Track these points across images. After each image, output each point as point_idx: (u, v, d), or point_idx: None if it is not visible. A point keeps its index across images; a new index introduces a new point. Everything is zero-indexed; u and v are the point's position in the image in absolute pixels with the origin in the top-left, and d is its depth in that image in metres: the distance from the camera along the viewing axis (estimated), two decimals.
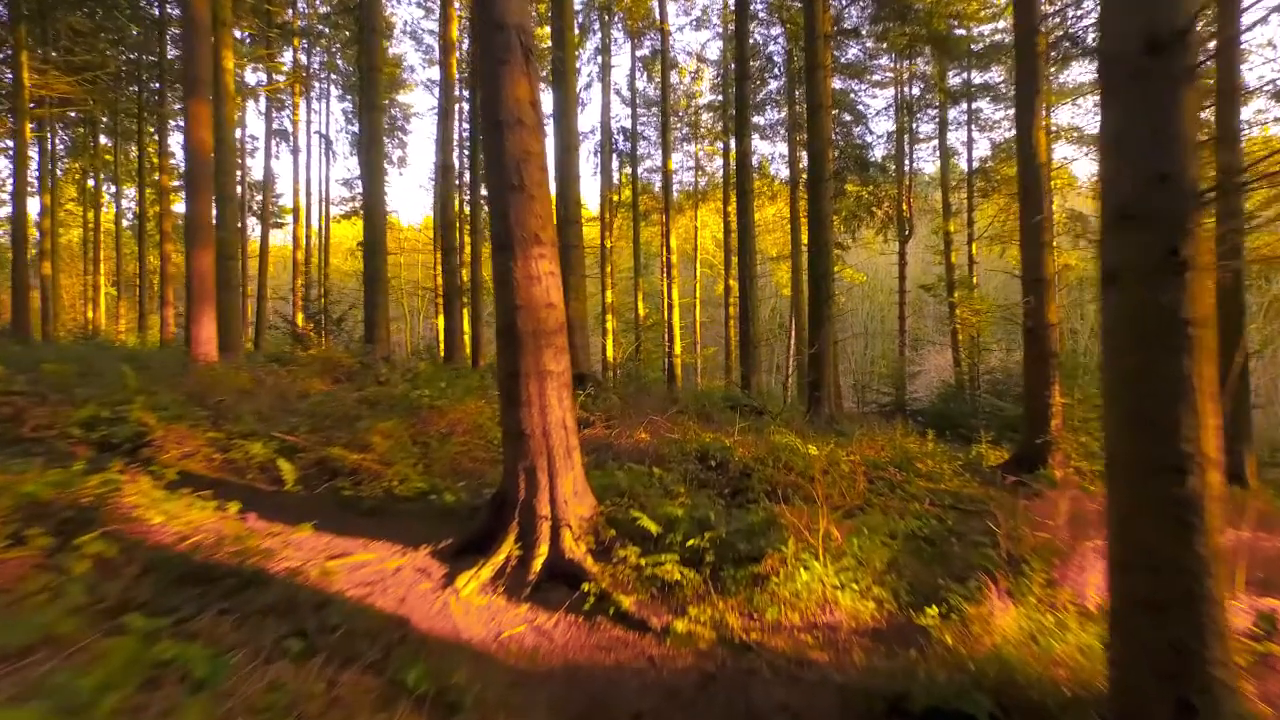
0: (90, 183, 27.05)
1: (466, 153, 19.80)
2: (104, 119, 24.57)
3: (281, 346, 14.66)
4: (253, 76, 24.16)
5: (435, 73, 24.55)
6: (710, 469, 5.32)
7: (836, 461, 5.50)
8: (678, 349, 22.28)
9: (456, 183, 18.66)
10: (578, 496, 3.82)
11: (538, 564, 3.57)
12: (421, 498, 4.36)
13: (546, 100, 14.30)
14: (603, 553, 3.72)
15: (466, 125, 19.93)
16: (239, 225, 14.14)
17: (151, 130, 22.67)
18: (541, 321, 3.75)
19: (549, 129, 9.34)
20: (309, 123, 27.42)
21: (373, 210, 10.10)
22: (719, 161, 26.50)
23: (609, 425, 6.64)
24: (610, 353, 23.12)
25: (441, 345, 15.98)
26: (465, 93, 19.82)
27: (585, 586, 3.41)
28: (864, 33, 16.54)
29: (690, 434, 6.56)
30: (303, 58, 25.77)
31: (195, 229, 7.58)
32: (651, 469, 4.98)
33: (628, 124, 24.55)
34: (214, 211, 13.60)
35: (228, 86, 12.86)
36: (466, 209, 20.11)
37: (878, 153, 21.35)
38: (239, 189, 24.54)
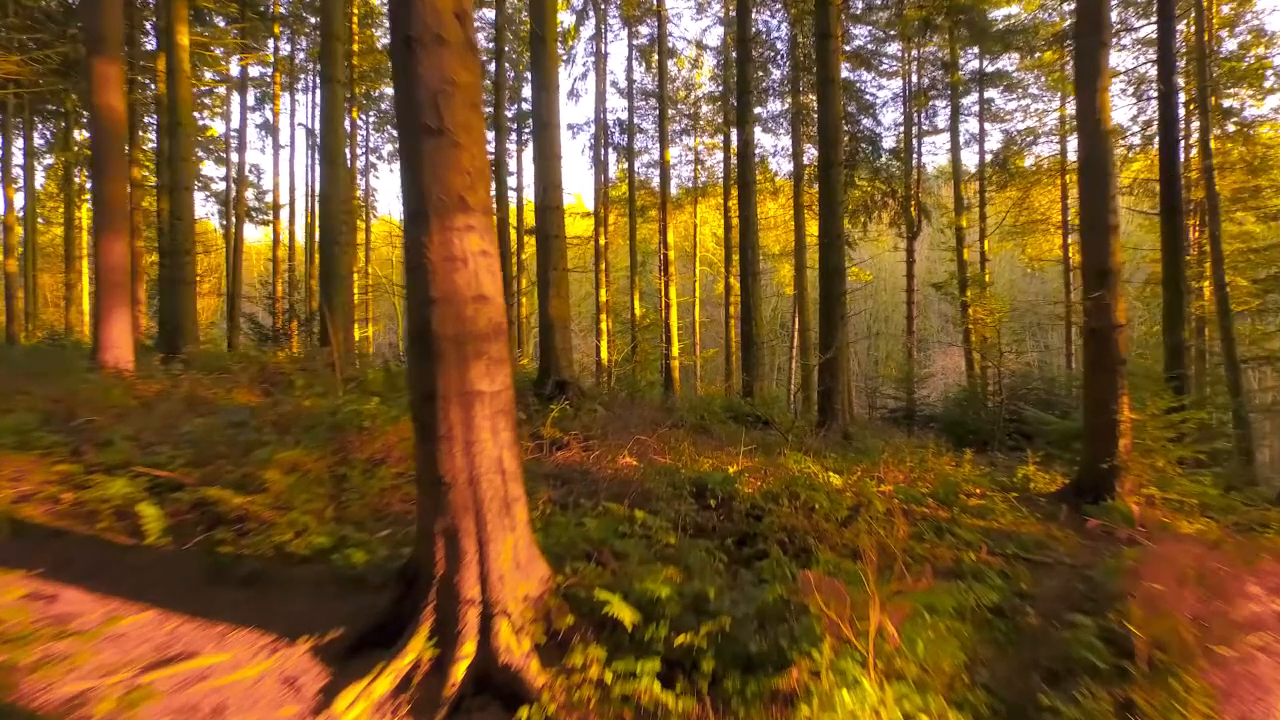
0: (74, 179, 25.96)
1: None
2: (83, 112, 23.49)
3: (250, 349, 13.58)
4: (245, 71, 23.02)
5: None
6: (709, 507, 4.21)
7: (868, 497, 4.40)
8: (675, 350, 21.16)
9: None
10: (521, 568, 2.71)
11: (459, 671, 2.46)
12: (322, 557, 3.26)
13: (531, 98, 13.13)
14: (556, 649, 2.62)
15: None
16: (194, 217, 13.08)
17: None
18: (468, 321, 2.64)
19: (534, 128, 8.18)
20: (293, 114, 26.36)
21: (330, 197, 9.00)
22: (719, 156, 25.41)
23: (588, 445, 5.54)
24: (605, 354, 22.01)
25: None
26: None
27: (523, 713, 2.30)
28: (876, 3, 15.46)
29: (686, 457, 5.46)
30: (286, 47, 24.71)
31: (105, 211, 6.48)
32: (633, 511, 3.87)
33: (624, 117, 23.42)
34: (177, 204, 12.57)
35: (182, 64, 11.77)
36: None
37: (886, 145, 20.30)
38: (225, 185, 23.53)
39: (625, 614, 2.58)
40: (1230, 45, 17.87)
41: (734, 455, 5.76)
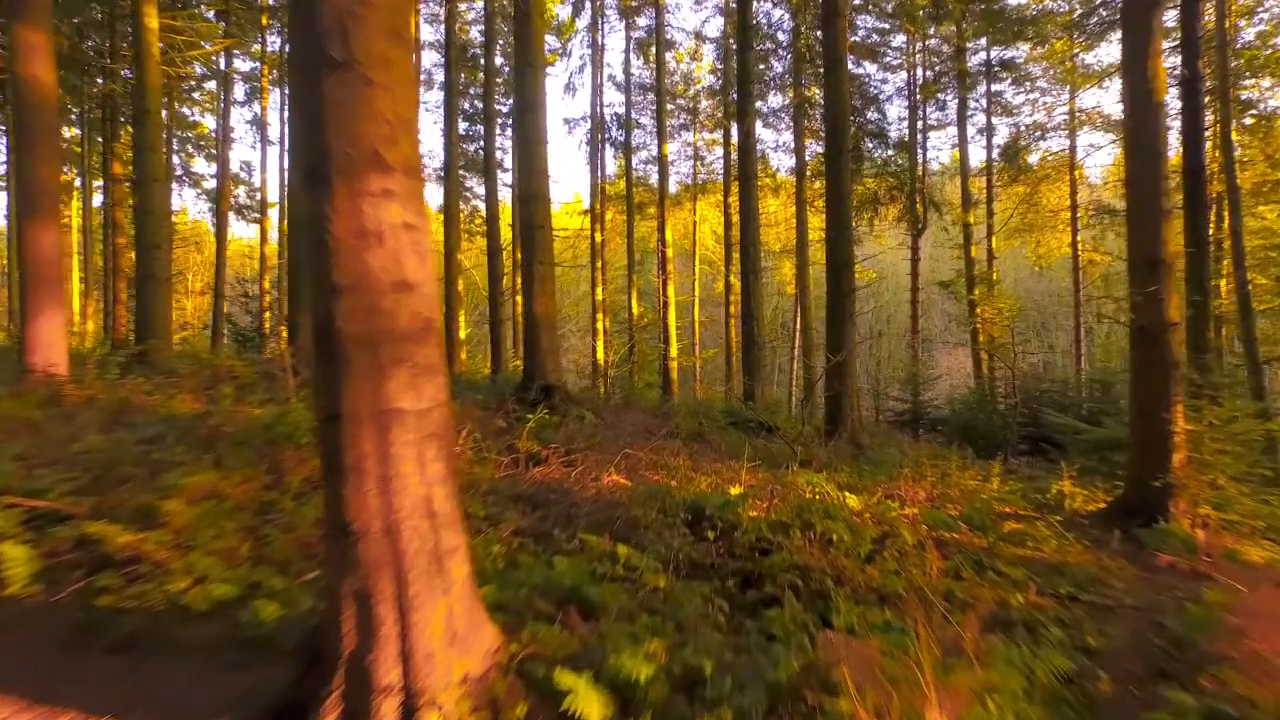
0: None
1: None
2: (72, 109, 22.83)
3: (228, 351, 12.93)
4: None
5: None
6: (706, 539, 3.56)
7: (892, 525, 3.76)
8: (674, 351, 20.51)
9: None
10: (458, 641, 2.07)
11: None
12: (223, 612, 2.61)
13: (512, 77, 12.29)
14: None
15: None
16: (168, 211, 12.47)
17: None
18: (384, 317, 2.00)
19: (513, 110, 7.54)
20: (282, 110, 25.62)
21: (297, 184, 8.33)
22: (719, 152, 24.76)
23: (570, 460, 4.89)
24: (601, 354, 21.35)
25: None
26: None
27: None
28: None
29: (681, 473, 4.81)
30: (275, 40, 24.05)
31: (30, 195, 5.81)
32: (615, 546, 3.23)
33: (621, 111, 22.76)
34: (145, 197, 11.93)
35: (151, 49, 11.13)
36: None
37: (891, 139, 19.67)
38: (217, 182, 22.77)
39: (592, 708, 1.94)
40: (1248, 35, 17.24)
41: (735, 471, 5.11)
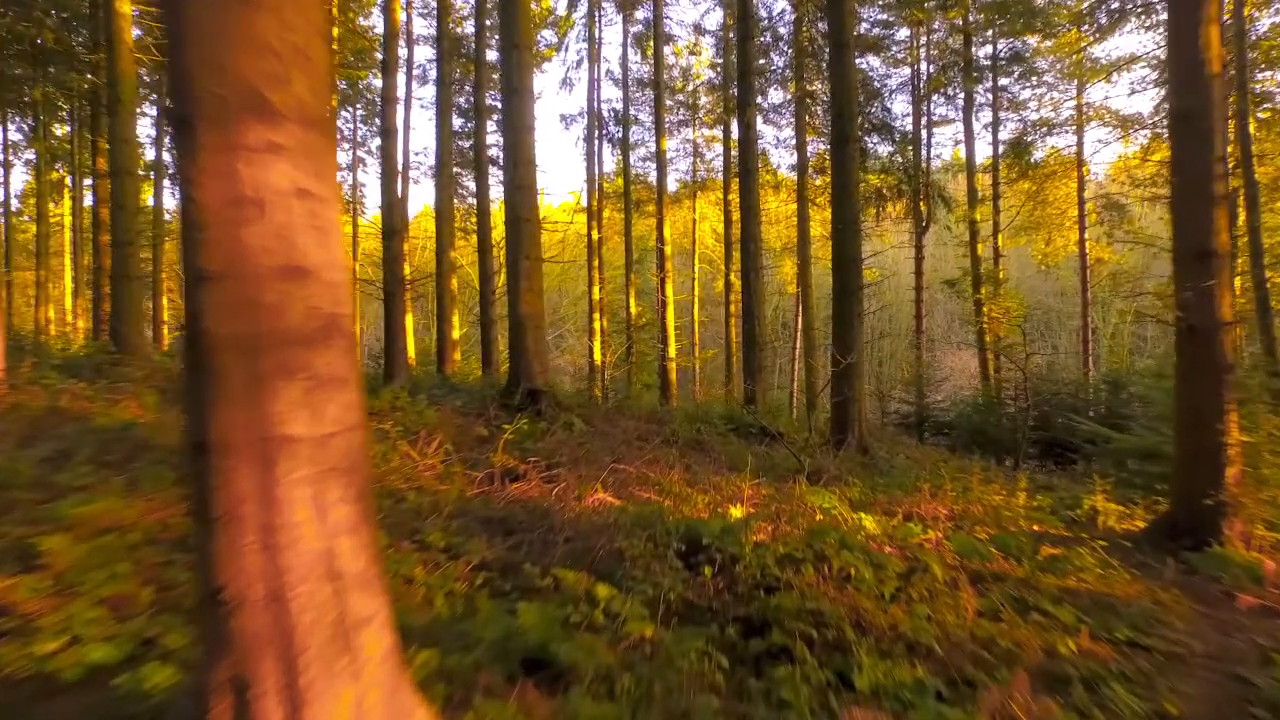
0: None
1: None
2: (61, 105, 22.36)
3: None
4: None
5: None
6: (702, 573, 3.06)
7: (918, 556, 3.25)
8: (672, 351, 20.00)
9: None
10: None
11: None
12: (100, 681, 2.11)
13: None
14: None
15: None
16: (138, 206, 12.04)
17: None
18: (268, 313, 1.50)
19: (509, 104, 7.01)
20: None
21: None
22: (718, 149, 24.25)
23: (551, 476, 4.38)
24: (598, 355, 20.84)
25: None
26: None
27: None
28: None
29: (676, 490, 4.31)
30: None
31: None
32: (594, 586, 2.72)
33: (619, 108, 22.24)
34: (119, 190, 11.43)
35: (123, 35, 10.64)
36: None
37: (895, 135, 19.19)
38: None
39: None
40: (1263, 26, 16.73)
41: (736, 485, 4.61)
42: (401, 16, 20.37)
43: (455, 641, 2.29)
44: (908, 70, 20.60)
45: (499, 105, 19.10)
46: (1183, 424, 4.48)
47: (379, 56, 12.61)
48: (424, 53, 21.68)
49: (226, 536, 1.47)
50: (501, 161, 20.15)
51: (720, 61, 22.01)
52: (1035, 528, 4.60)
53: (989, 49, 19.71)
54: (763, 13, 19.13)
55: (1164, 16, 17.15)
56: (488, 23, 12.64)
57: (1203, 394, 4.32)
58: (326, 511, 1.55)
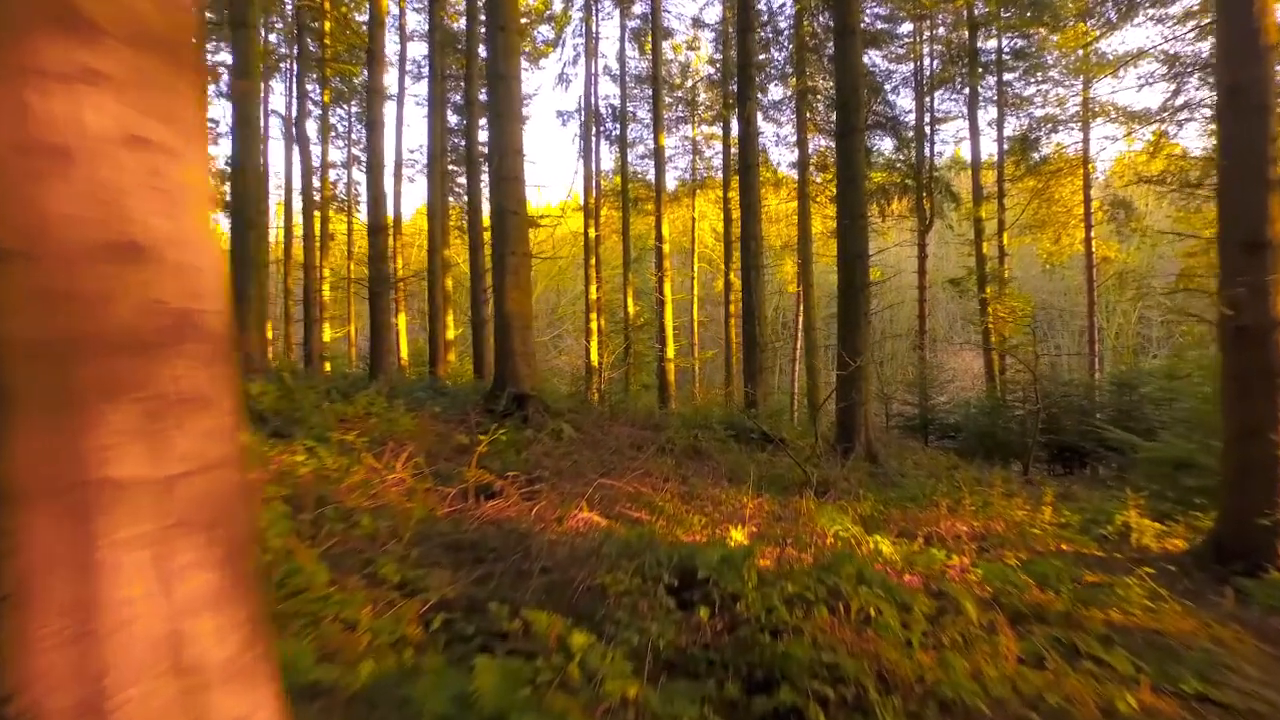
0: None
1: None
2: None
3: None
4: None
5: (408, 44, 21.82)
6: (697, 614, 2.63)
7: (948, 595, 2.83)
8: (671, 352, 19.57)
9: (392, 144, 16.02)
10: None
11: None
12: None
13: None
14: None
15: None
16: None
17: None
18: (87, 305, 1.07)
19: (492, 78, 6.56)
20: (266, 103, 24.70)
21: (244, 169, 7.39)
22: (718, 147, 23.86)
23: (532, 491, 3.95)
24: (595, 356, 20.42)
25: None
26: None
27: None
28: None
29: (669, 509, 3.88)
30: (274, 38, 23.15)
31: None
32: (570, 633, 2.30)
33: (617, 104, 21.84)
34: None
35: None
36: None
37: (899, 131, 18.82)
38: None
39: None
40: None
41: (737, 502, 4.18)
42: (392, 7, 20.00)
43: (393, 712, 1.86)
44: (910, 66, 20.24)
45: (487, 99, 18.75)
46: (1231, 435, 4.06)
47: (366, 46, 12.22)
48: (418, 49, 21.31)
49: (18, 622, 1.04)
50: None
51: (719, 57, 21.62)
52: (1064, 547, 4.18)
53: (994, 44, 19.36)
54: (762, 5, 18.74)
55: (1175, 8, 16.81)
56: (479, 10, 12.21)
57: (1255, 402, 3.89)
58: (173, 581, 1.12)
